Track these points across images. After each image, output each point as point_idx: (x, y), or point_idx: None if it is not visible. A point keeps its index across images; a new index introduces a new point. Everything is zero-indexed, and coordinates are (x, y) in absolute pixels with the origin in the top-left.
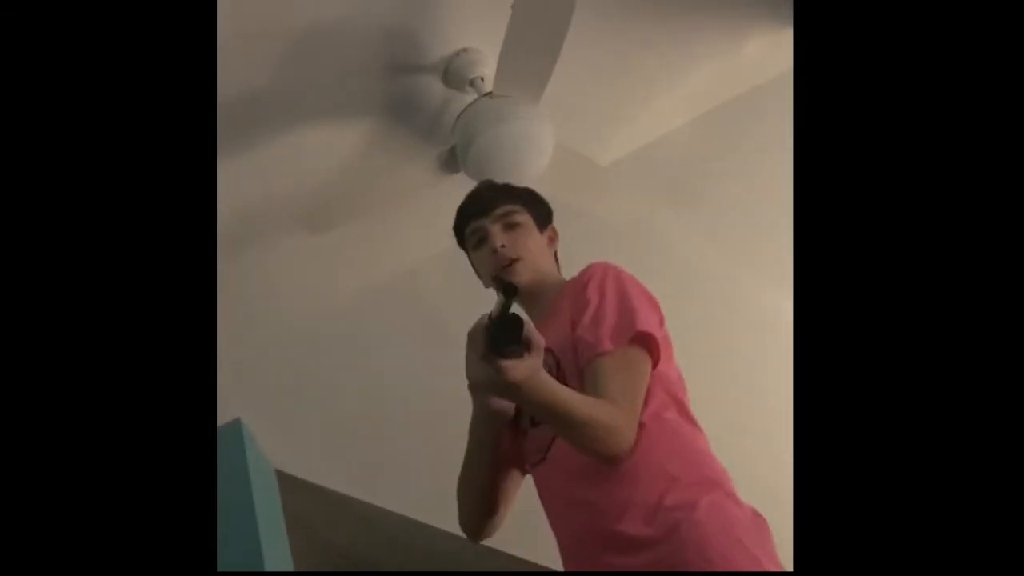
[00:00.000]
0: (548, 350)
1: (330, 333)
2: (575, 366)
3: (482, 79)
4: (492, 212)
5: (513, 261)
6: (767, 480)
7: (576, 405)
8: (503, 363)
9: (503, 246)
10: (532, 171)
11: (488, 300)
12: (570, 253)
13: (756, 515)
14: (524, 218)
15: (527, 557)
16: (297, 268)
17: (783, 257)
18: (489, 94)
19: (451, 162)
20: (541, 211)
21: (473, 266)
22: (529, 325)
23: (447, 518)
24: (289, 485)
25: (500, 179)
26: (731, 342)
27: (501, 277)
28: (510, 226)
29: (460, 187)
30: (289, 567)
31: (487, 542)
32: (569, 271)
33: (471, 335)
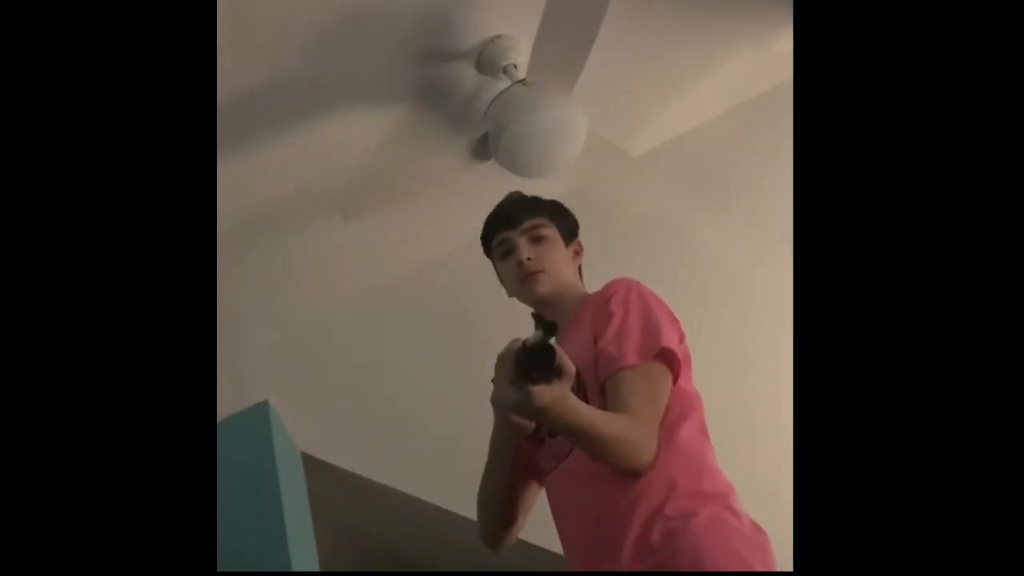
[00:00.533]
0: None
1: (359, 319)
2: (595, 377)
3: (515, 66)
4: (519, 225)
5: (537, 272)
6: (786, 482)
7: (600, 425)
8: (532, 388)
9: (529, 259)
10: (564, 160)
11: (512, 306)
12: (598, 243)
13: (756, 528)
14: (550, 231)
15: (554, 548)
16: (328, 255)
17: None
18: (522, 81)
19: (482, 150)
20: (567, 225)
21: (499, 275)
22: (561, 354)
23: (469, 506)
24: (314, 468)
25: (532, 167)
26: (756, 338)
27: (542, 315)
28: (536, 239)
29: (491, 175)
30: (312, 547)
31: None
32: (598, 261)
33: (501, 358)
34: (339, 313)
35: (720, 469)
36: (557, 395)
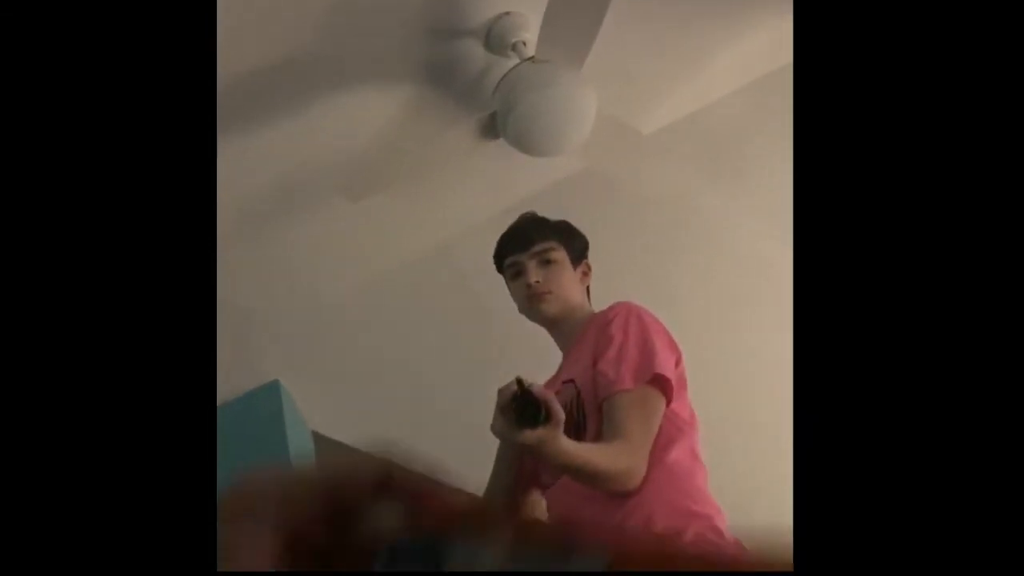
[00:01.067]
0: (570, 381)
1: (370, 299)
2: (594, 397)
3: (524, 43)
4: (530, 248)
5: (544, 293)
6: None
7: (589, 462)
8: (522, 433)
9: (537, 282)
10: (574, 138)
11: (520, 323)
12: (608, 222)
13: (740, 548)
14: (559, 255)
15: None
16: (337, 234)
17: None
18: (531, 59)
19: (491, 128)
20: (576, 246)
21: (510, 293)
22: (550, 401)
23: (476, 484)
24: (325, 447)
25: (541, 145)
26: (766, 319)
27: (522, 385)
28: (545, 262)
29: (500, 154)
30: None
31: None
32: (608, 240)
33: (500, 392)
34: (350, 293)
35: (708, 490)
36: (545, 437)
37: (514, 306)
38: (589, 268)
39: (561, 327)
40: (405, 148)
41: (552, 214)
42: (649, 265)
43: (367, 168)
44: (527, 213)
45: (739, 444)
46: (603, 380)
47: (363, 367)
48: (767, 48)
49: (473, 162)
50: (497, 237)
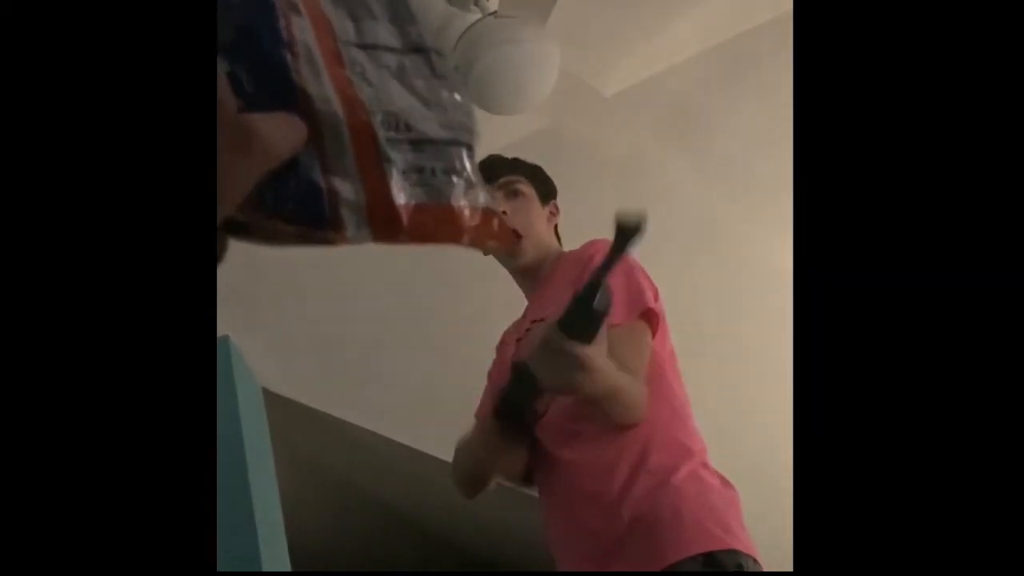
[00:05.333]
0: (542, 320)
1: (321, 253)
2: None
3: None
4: (496, 180)
5: (519, 238)
6: (764, 421)
7: (624, 386)
8: (585, 351)
9: (504, 212)
10: (535, 96)
11: (486, 264)
12: (569, 184)
13: (725, 484)
14: (527, 189)
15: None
16: None
17: (783, 203)
18: (494, 13)
19: None
20: (545, 188)
21: None
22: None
23: (430, 442)
24: (275, 403)
25: (502, 103)
26: (725, 285)
27: (522, 367)
28: (512, 193)
29: None
30: (273, 481)
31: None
32: (568, 201)
33: (539, 336)
34: (302, 249)
35: (695, 425)
36: (596, 353)
37: (471, 257)
38: (557, 209)
39: (535, 271)
40: None
41: None
42: (605, 226)
43: None
44: (493, 154)
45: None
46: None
47: (315, 323)
48: (730, 11)
49: None
50: None
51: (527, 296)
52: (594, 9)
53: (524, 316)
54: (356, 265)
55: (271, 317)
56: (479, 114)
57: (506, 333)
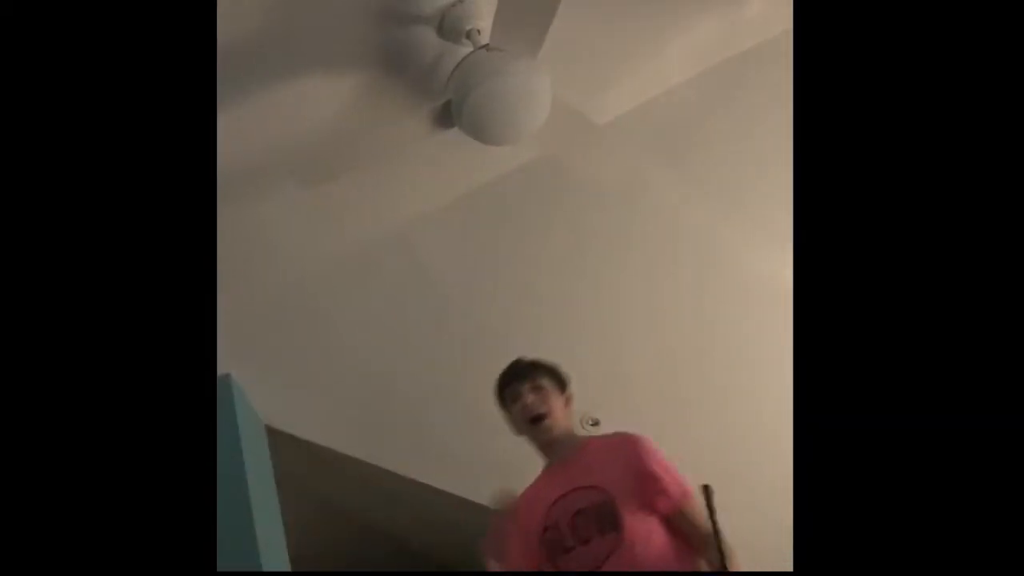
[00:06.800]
0: (593, 487)
1: (322, 288)
2: (631, 500)
3: (479, 31)
4: (525, 381)
5: (543, 417)
6: (751, 434)
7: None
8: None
9: (532, 401)
10: (528, 127)
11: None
12: (562, 211)
13: None
14: (548, 383)
15: None
16: (289, 222)
17: (779, 223)
18: (486, 47)
19: (445, 117)
20: (560, 379)
21: (508, 419)
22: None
23: (436, 476)
24: (279, 441)
25: (495, 134)
26: (721, 308)
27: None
28: (536, 388)
29: (455, 142)
30: (278, 520)
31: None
32: (563, 230)
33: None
34: (300, 282)
35: None
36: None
37: (469, 292)
38: (572, 396)
39: (557, 447)
40: (358, 135)
41: (507, 202)
42: (602, 253)
43: (318, 156)
44: (522, 358)
45: (704, 417)
46: (674, 496)
47: (319, 358)
48: (718, 36)
49: (427, 150)
50: (451, 224)
51: (550, 466)
52: (586, 37)
53: (554, 478)
54: (359, 296)
55: (275, 355)
56: (474, 145)
57: (529, 490)
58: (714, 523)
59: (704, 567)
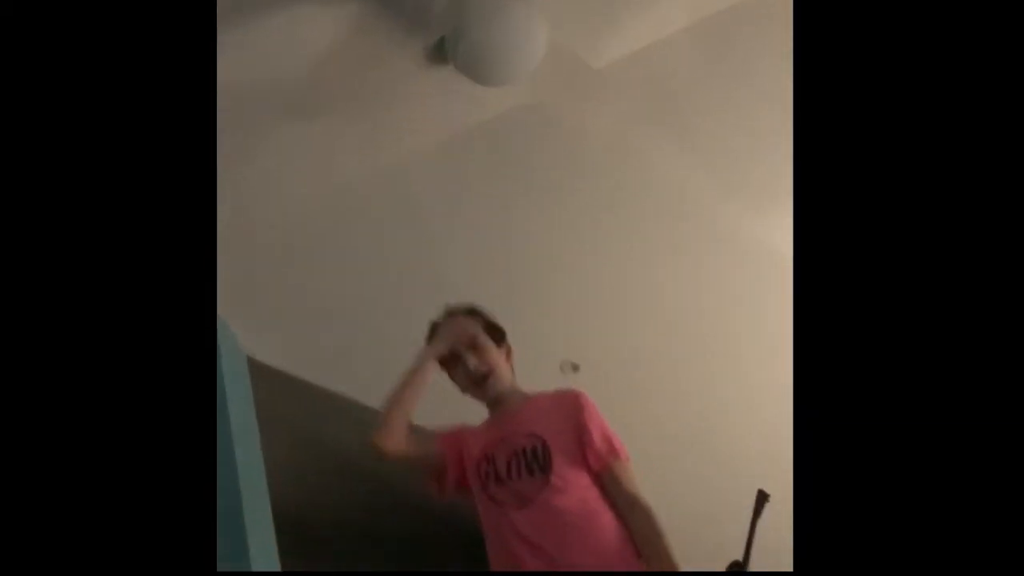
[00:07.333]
0: (533, 434)
1: (309, 224)
2: (566, 450)
3: None
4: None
5: (486, 376)
6: (737, 403)
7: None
8: None
9: (475, 364)
10: (524, 68)
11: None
12: (549, 158)
13: None
14: (487, 340)
15: None
16: (276, 158)
17: (770, 182)
18: None
19: (440, 54)
20: (498, 334)
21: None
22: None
23: (418, 411)
24: (262, 374)
25: (491, 75)
26: (708, 266)
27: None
28: (477, 348)
29: (449, 80)
30: (258, 453)
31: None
32: (544, 176)
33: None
34: (287, 216)
35: None
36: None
37: (460, 229)
38: (510, 348)
39: (502, 402)
40: (350, 71)
41: (496, 145)
42: (583, 202)
43: (309, 91)
44: (454, 308)
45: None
46: (600, 450)
47: (302, 293)
48: None
49: (419, 87)
50: (442, 162)
51: (495, 415)
52: None
53: (500, 426)
54: (346, 234)
55: (259, 289)
56: (467, 85)
57: (474, 428)
58: (753, 525)
59: (630, 536)
